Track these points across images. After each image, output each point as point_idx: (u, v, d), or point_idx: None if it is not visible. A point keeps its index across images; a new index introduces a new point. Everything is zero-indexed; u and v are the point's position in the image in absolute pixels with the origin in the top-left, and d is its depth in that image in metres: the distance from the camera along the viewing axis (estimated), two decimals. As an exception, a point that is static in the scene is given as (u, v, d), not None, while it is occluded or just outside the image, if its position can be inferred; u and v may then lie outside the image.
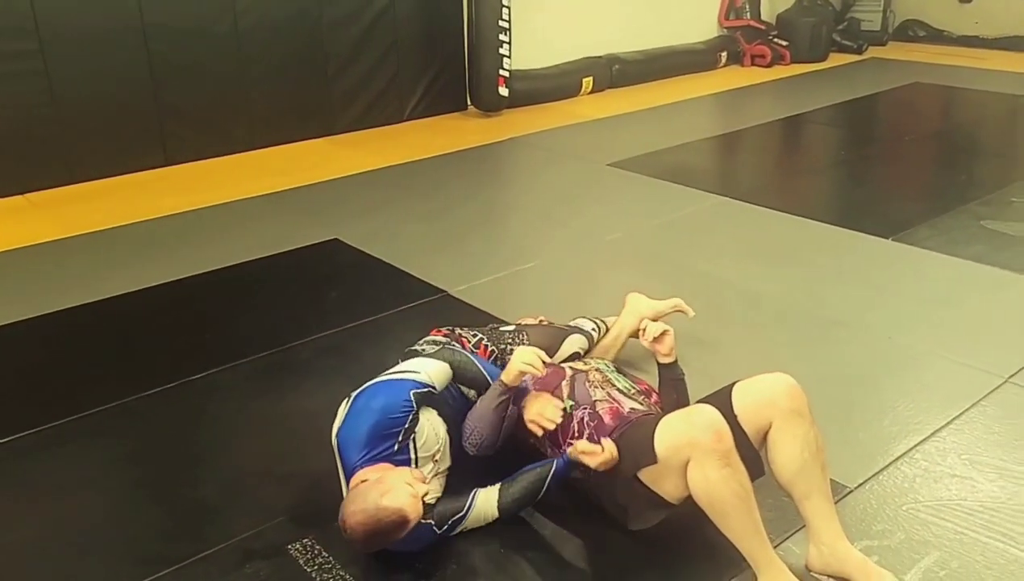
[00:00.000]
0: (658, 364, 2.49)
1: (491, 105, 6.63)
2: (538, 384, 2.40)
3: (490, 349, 2.57)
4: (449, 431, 2.29)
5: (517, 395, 2.33)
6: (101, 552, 2.26)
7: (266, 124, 5.87)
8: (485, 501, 2.22)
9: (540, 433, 2.27)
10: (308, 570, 2.13)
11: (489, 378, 2.35)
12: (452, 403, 2.36)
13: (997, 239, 4.11)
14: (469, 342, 2.57)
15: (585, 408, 2.33)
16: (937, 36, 9.35)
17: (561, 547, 2.21)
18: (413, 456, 2.15)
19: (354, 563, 2.14)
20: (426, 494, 2.06)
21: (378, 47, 6.28)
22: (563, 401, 2.34)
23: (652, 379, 2.58)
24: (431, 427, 2.22)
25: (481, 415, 2.28)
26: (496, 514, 2.23)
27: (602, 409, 2.31)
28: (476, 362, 2.38)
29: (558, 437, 2.32)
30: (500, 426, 2.28)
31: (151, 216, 4.68)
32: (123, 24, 5.18)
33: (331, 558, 2.16)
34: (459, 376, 2.34)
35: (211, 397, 2.96)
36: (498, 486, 2.25)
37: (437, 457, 2.22)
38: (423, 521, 2.10)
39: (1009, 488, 2.40)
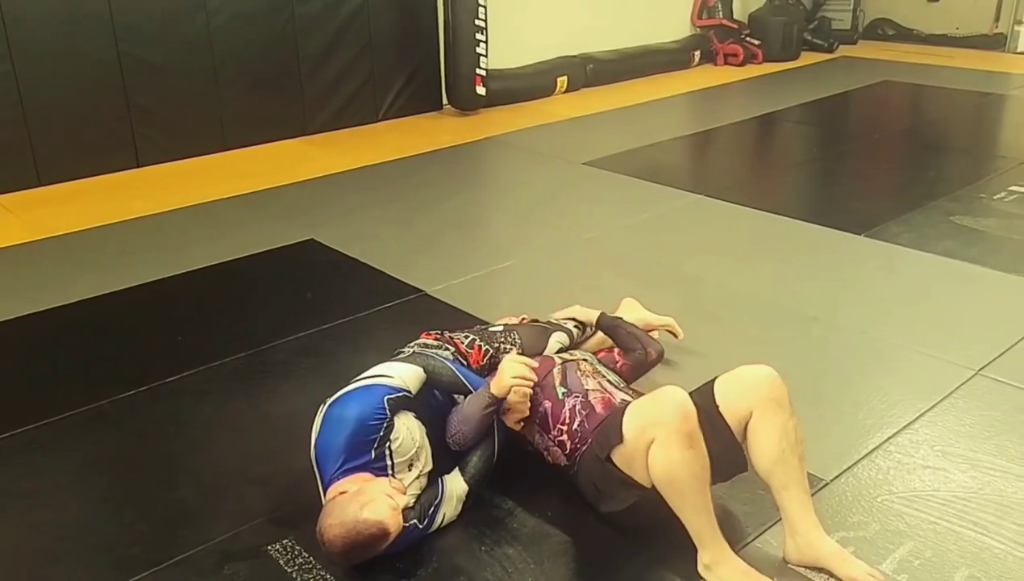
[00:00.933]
0: (598, 328, 2.86)
1: (468, 104, 6.63)
2: None
3: (484, 348, 2.56)
4: (429, 434, 2.27)
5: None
6: (77, 557, 2.23)
7: (239, 124, 5.82)
8: (453, 480, 2.24)
9: (525, 395, 2.26)
10: (288, 571, 2.12)
11: (467, 384, 2.34)
12: (434, 405, 2.35)
13: (966, 235, 4.17)
14: (463, 343, 2.55)
15: (577, 396, 2.32)
16: (906, 35, 9.47)
17: (541, 543, 2.21)
18: (390, 463, 2.14)
19: (334, 563, 2.12)
20: (407, 506, 2.06)
21: (352, 46, 6.25)
22: (555, 389, 2.35)
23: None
24: (407, 431, 2.20)
25: (467, 418, 2.27)
26: (466, 486, 2.24)
27: (594, 399, 2.31)
28: (453, 368, 2.36)
29: (548, 423, 2.32)
30: (484, 430, 2.28)
31: (122, 218, 4.63)
32: (93, 24, 5.12)
33: (311, 559, 2.15)
34: (434, 381, 2.32)
35: (186, 399, 2.94)
36: (457, 466, 2.28)
37: (414, 462, 2.20)
38: (406, 525, 2.09)
39: (981, 478, 2.43)
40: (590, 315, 2.87)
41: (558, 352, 2.67)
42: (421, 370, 2.30)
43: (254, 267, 4.04)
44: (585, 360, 2.53)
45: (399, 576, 2.10)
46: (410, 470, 2.19)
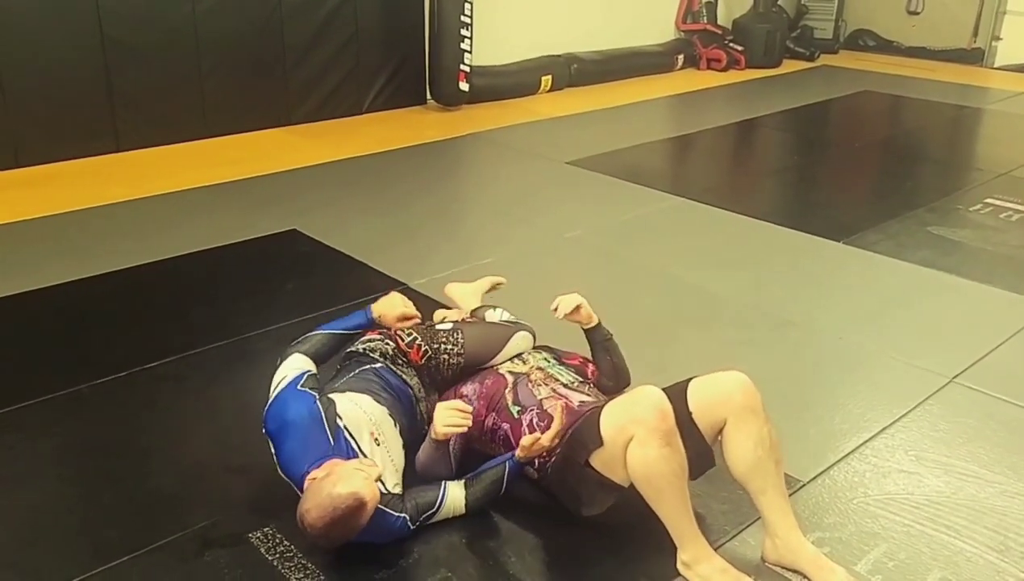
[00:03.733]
0: (584, 331, 2.63)
1: (451, 100, 6.63)
2: (482, 399, 2.42)
3: (423, 349, 2.53)
4: (392, 415, 2.29)
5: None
6: (54, 541, 2.21)
7: (222, 112, 5.78)
8: (454, 496, 2.22)
9: (457, 432, 2.25)
10: (269, 558, 2.11)
11: (343, 332, 2.45)
12: (390, 388, 2.37)
13: (943, 244, 4.24)
14: (403, 341, 2.54)
15: (532, 410, 2.34)
16: (886, 46, 9.60)
17: (522, 538, 2.23)
18: (353, 443, 2.15)
19: (315, 552, 2.12)
20: (378, 477, 2.04)
21: (338, 38, 6.23)
22: (508, 409, 2.36)
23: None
24: (351, 404, 2.23)
25: (427, 465, 2.29)
26: (463, 510, 2.24)
27: (550, 406, 2.31)
28: (330, 331, 2.44)
29: (511, 442, 2.34)
30: (450, 461, 2.30)
31: (102, 203, 4.58)
32: (77, 7, 5.06)
33: (292, 547, 2.14)
34: (321, 355, 2.39)
35: (166, 386, 2.92)
36: (463, 482, 2.25)
37: (378, 436, 2.20)
38: (396, 514, 2.10)
39: (953, 483, 2.48)
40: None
41: (514, 358, 2.57)
42: (301, 355, 2.35)
43: (236, 255, 4.01)
44: (538, 368, 2.49)
45: (381, 567, 2.10)
46: (378, 444, 2.20)
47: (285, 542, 2.16)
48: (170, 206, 4.60)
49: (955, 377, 3.03)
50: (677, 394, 2.18)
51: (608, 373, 2.66)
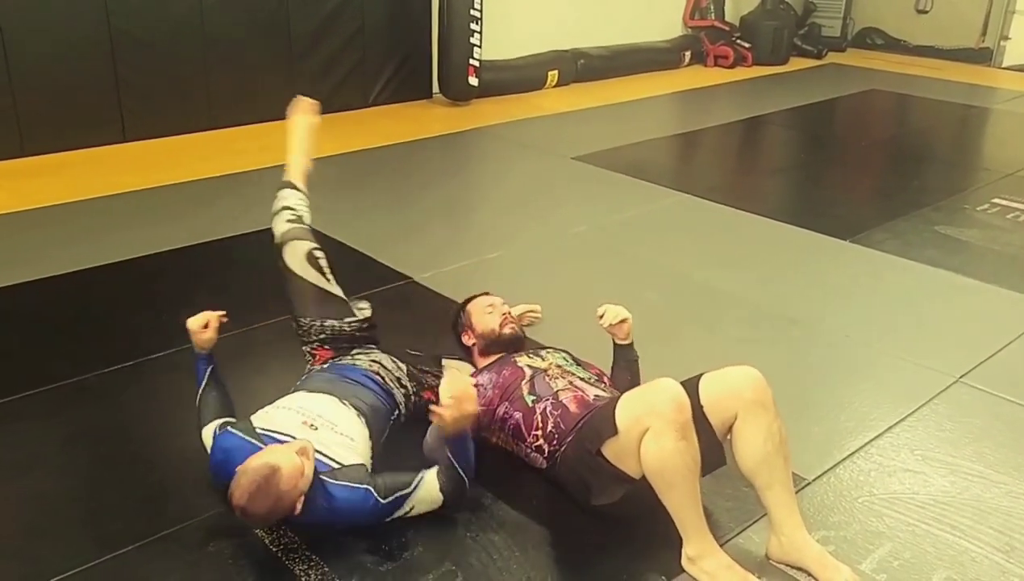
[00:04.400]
0: (615, 345, 2.62)
1: (461, 94, 6.61)
2: (498, 388, 2.42)
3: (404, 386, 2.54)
4: (346, 401, 2.31)
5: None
6: (60, 530, 2.21)
7: (227, 104, 5.77)
8: (430, 483, 2.18)
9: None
10: (274, 550, 2.11)
11: (204, 378, 2.47)
12: (351, 378, 2.42)
13: (950, 244, 4.23)
14: (389, 376, 2.53)
15: (547, 399, 2.34)
16: (894, 45, 9.57)
17: (526, 531, 2.23)
18: (281, 437, 2.15)
19: (320, 543, 2.13)
20: (305, 450, 2.03)
21: (345, 30, 6.22)
22: (523, 399, 2.35)
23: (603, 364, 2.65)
24: (267, 412, 2.27)
25: (432, 448, 2.27)
26: (439, 496, 2.19)
27: (565, 398, 2.32)
28: (207, 392, 2.46)
29: (521, 432, 2.34)
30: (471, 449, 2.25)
31: (109, 192, 4.58)
32: (84, -3, 5.06)
33: (296, 539, 2.14)
34: (222, 407, 2.42)
35: (172, 376, 2.91)
36: (436, 469, 2.20)
37: (311, 421, 2.20)
38: (356, 485, 2.07)
39: (959, 483, 2.48)
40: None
41: (531, 354, 2.56)
42: (204, 427, 2.36)
43: (241, 247, 4.01)
44: (557, 365, 2.50)
45: (384, 559, 2.10)
46: (315, 428, 2.19)
47: (289, 533, 2.16)
48: (176, 196, 4.60)
49: (961, 377, 3.03)
50: (690, 389, 2.17)
51: (624, 391, 2.61)
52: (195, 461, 2.47)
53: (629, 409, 2.07)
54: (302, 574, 2.05)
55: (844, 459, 2.56)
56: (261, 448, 2.09)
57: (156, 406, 2.77)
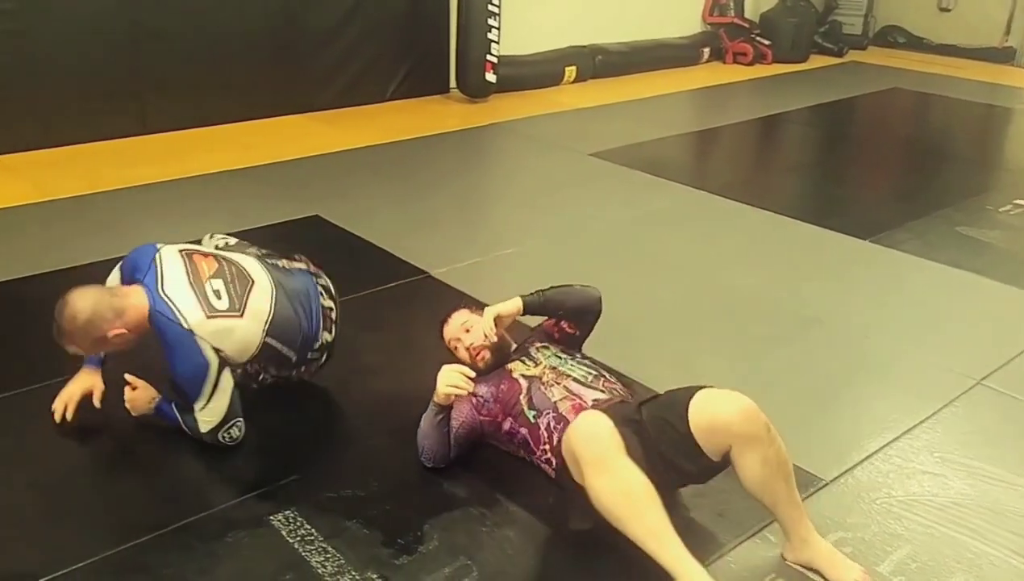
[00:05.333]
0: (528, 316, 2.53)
1: (478, 90, 6.59)
2: (498, 402, 2.40)
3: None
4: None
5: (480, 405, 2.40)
6: (79, 520, 2.23)
7: (245, 97, 5.78)
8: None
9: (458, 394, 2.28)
10: (291, 541, 2.12)
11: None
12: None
13: (972, 245, 4.19)
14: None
15: (549, 412, 2.31)
16: (916, 43, 9.48)
17: (540, 527, 2.23)
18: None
19: (336, 536, 2.14)
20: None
21: (363, 24, 6.22)
22: (525, 414, 2.34)
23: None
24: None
25: (426, 433, 2.35)
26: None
27: (565, 409, 2.28)
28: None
29: (530, 447, 2.33)
30: (447, 440, 2.34)
31: (128, 184, 4.61)
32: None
33: (313, 531, 2.15)
34: None
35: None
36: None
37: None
38: (184, 330, 2.28)
39: (978, 486, 2.45)
40: (510, 308, 2.49)
41: (524, 358, 2.49)
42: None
43: (260, 239, 3.94)
44: (550, 367, 2.41)
45: (400, 552, 2.11)
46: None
47: (307, 525, 2.17)
48: (196, 188, 4.62)
49: (982, 379, 3.00)
50: (678, 409, 2.10)
51: (577, 314, 2.58)
52: (213, 452, 2.49)
53: (564, 448, 2.06)
54: (318, 565, 2.05)
55: (863, 460, 2.55)
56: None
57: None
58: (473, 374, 2.32)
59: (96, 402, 2.51)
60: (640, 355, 3.03)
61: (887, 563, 2.15)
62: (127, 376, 2.50)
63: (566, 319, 2.60)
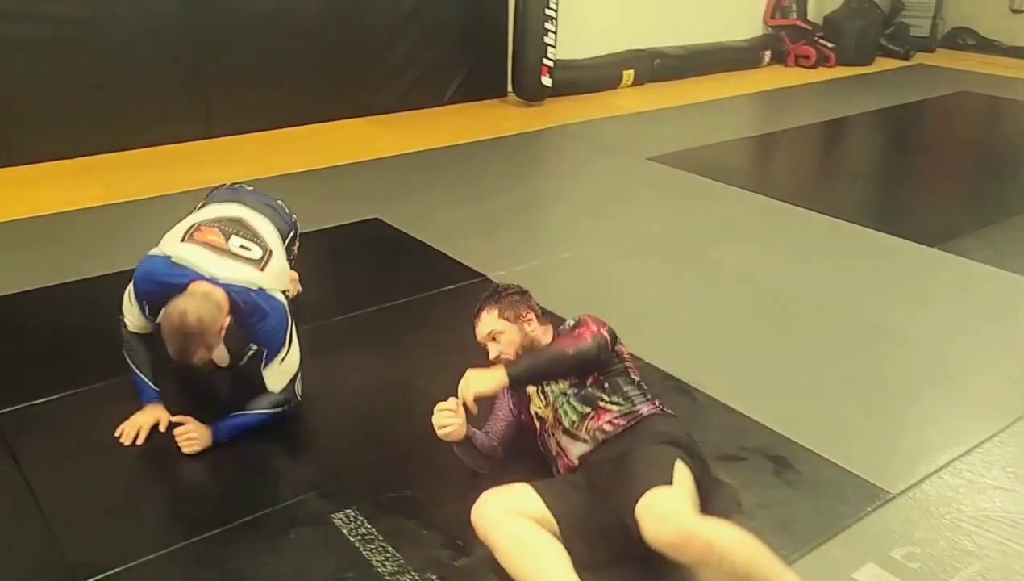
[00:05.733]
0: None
1: (534, 95, 6.60)
2: (522, 425, 2.40)
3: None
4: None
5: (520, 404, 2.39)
6: (145, 513, 2.29)
7: (305, 101, 5.88)
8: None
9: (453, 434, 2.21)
10: (352, 540, 2.15)
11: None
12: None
13: (1045, 253, 4.06)
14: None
15: (553, 462, 2.29)
16: (987, 45, 9.20)
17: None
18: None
19: (396, 535, 2.16)
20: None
21: (421, 28, 6.28)
22: (542, 450, 2.34)
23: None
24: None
25: (460, 455, 2.33)
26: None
27: (560, 464, 2.26)
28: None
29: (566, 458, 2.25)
30: (479, 454, 2.32)
31: (195, 187, 4.70)
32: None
33: (373, 530, 2.18)
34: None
35: (252, 367, 2.97)
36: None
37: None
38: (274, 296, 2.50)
39: (1054, 503, 2.37)
40: (493, 385, 2.19)
41: (539, 391, 2.34)
42: None
43: (320, 242, 4.07)
44: (554, 411, 2.27)
45: (459, 554, 2.12)
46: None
47: (367, 524, 2.19)
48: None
49: (1057, 392, 2.90)
50: (628, 502, 1.92)
51: (571, 376, 2.29)
52: (277, 449, 2.54)
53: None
54: (379, 565, 2.08)
55: (931, 474, 2.48)
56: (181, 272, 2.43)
57: (240, 392, 2.81)
58: (455, 406, 2.17)
59: (163, 428, 2.56)
60: (702, 364, 3.00)
61: (957, 580, 2.09)
62: (175, 418, 2.53)
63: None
